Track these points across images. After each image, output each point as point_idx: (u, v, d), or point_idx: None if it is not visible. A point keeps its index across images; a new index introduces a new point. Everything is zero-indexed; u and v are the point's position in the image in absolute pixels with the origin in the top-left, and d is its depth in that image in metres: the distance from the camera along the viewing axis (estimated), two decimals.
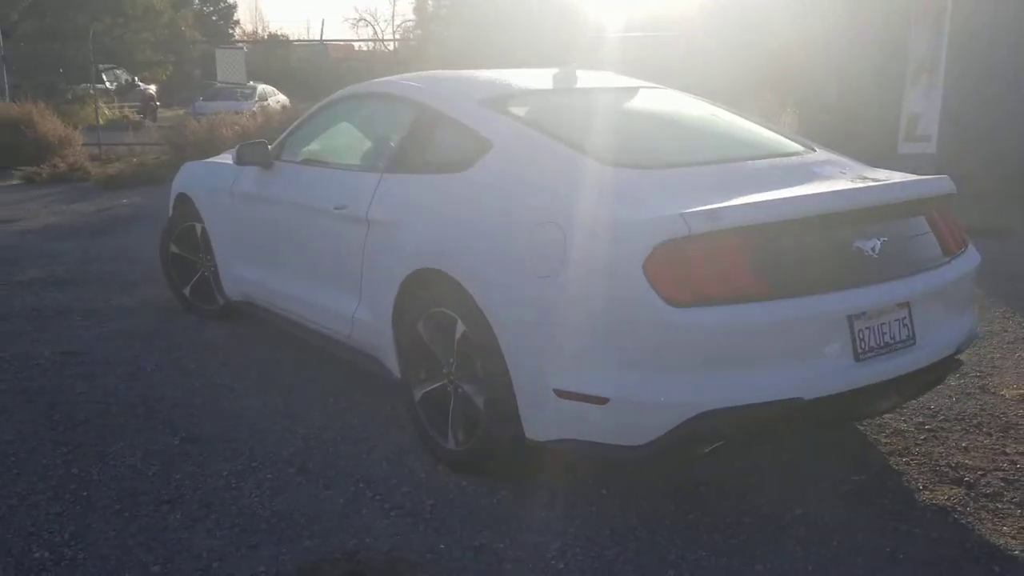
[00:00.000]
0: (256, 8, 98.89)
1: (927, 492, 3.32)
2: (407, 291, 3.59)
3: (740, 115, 4.13)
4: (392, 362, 3.77)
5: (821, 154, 3.73)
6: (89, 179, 12.77)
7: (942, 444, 3.72)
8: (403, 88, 4.17)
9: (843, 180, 3.33)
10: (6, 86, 16.43)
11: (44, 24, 21.84)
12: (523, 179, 3.34)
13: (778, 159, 3.58)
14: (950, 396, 4.21)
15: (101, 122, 21.20)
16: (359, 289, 3.93)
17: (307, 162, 4.55)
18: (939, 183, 3.49)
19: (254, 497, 3.30)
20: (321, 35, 39.05)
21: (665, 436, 2.84)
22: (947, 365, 3.36)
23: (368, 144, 4.30)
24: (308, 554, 2.92)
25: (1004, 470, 3.49)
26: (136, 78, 27.74)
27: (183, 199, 5.54)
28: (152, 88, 27.85)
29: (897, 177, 3.51)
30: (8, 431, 3.90)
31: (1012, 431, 3.83)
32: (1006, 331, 5.21)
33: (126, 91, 26.35)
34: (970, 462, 3.55)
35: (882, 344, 3.08)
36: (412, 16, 37.51)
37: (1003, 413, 4.02)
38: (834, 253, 3.03)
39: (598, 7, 18.43)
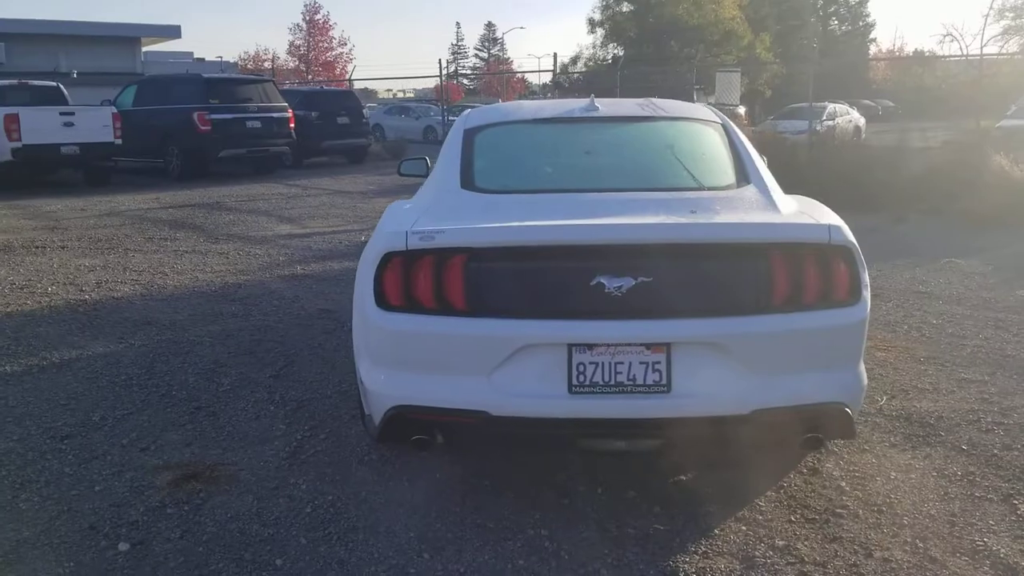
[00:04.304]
0: (896, 26, 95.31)
1: (694, 558, 3.08)
2: None
3: (704, 149, 3.99)
4: None
5: (729, 192, 3.57)
6: None
7: (818, 530, 3.26)
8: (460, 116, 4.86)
9: (655, 216, 3.22)
10: None
11: (642, 52, 24.89)
12: (417, 197, 3.91)
13: (656, 193, 3.54)
14: (948, 496, 3.51)
15: None
16: None
17: None
18: (804, 230, 3.17)
19: (220, 419, 4.42)
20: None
21: (383, 422, 3.28)
22: (738, 424, 3.05)
23: None
24: (191, 455, 3.98)
25: (819, 565, 3.02)
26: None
27: None
28: (741, 109, 29.45)
29: (740, 219, 3.27)
30: (211, 352, 5.57)
31: (929, 541, 3.16)
32: None
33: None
34: (805, 549, 3.12)
35: (612, 382, 3.03)
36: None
37: (963, 523, 3.28)
38: (565, 283, 3.06)
39: None
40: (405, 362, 3.20)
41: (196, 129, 16.41)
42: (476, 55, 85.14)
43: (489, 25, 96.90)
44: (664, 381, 3.02)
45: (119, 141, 15.79)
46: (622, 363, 3.03)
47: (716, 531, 3.26)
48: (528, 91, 78.51)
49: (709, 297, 3.06)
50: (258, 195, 14.41)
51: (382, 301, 3.19)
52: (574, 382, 3.03)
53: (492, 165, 3.92)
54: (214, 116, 16.45)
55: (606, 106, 4.41)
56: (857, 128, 25.98)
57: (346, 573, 3.03)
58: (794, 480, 3.65)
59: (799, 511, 3.40)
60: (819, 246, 3.10)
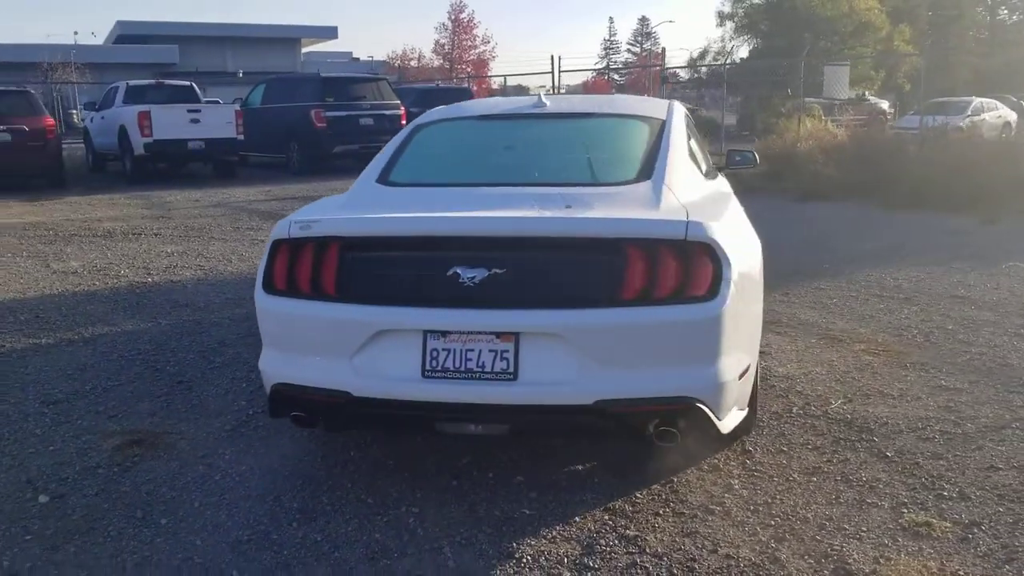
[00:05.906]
0: None
1: (540, 542, 3.15)
2: None
3: (624, 146, 4.00)
4: None
5: (619, 188, 3.60)
6: None
7: (679, 524, 3.26)
8: None
9: (524, 210, 3.30)
10: None
11: (771, 44, 24.19)
12: None
13: (546, 188, 3.62)
14: (836, 501, 3.44)
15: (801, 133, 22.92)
16: None
17: None
18: (658, 226, 3.20)
19: (193, 392, 4.77)
20: None
21: (269, 398, 3.51)
22: (581, 413, 3.10)
23: None
24: (150, 423, 4.33)
25: (656, 557, 3.03)
26: (866, 92, 28.47)
27: None
28: (884, 103, 28.21)
29: (598, 214, 3.30)
30: (222, 332, 6.00)
31: (784, 543, 3.12)
32: None
33: (853, 105, 27.31)
34: (653, 541, 3.14)
35: (462, 368, 3.15)
36: None
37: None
38: (424, 273, 3.21)
39: None
40: (285, 343, 3.43)
41: (313, 126, 17.25)
42: (628, 50, 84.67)
43: (642, 19, 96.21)
44: (511, 369, 3.11)
45: (241, 137, 16.81)
46: (472, 350, 3.14)
47: (577, 519, 3.31)
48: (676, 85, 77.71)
49: (559, 289, 3.13)
50: None
51: (269, 286, 3.43)
52: (427, 367, 3.16)
53: (415, 160, 4.09)
54: (329, 113, 17.25)
55: (555, 103, 4.49)
56: (1007, 124, 24.46)
57: (217, 535, 3.27)
58: (689, 475, 3.64)
59: (673, 505, 3.41)
60: (675, 242, 3.10)
